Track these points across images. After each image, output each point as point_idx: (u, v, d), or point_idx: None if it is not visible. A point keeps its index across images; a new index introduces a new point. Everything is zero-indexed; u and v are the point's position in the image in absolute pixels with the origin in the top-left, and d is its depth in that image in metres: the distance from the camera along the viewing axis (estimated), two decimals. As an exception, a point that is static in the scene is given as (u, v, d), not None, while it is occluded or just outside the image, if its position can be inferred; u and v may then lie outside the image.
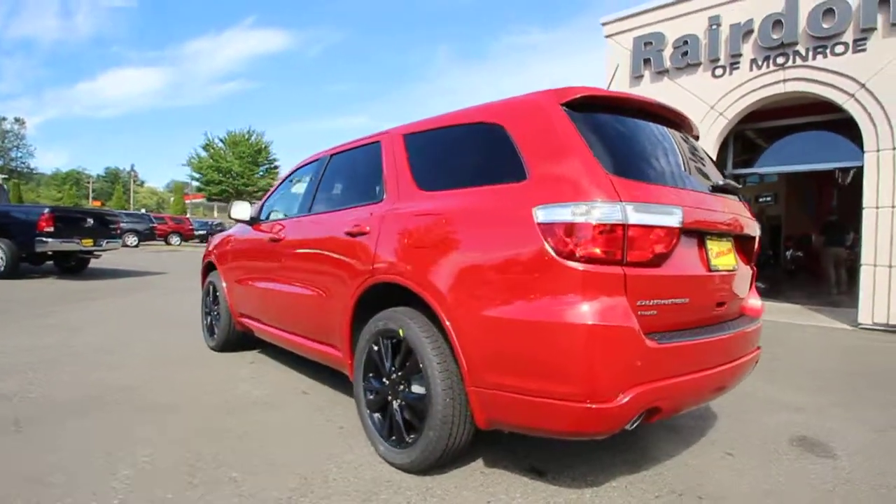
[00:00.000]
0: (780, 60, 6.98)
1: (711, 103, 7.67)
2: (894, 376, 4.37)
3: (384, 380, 2.42)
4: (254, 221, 3.95)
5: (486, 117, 2.27)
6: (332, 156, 3.34)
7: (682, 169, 2.20)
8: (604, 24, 8.89)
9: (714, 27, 7.50)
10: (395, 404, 2.34)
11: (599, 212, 1.74)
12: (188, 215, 42.99)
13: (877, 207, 6.33)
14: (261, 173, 33.00)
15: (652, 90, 8.19)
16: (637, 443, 2.67)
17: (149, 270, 12.53)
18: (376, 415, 2.49)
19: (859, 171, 7.29)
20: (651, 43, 8.18)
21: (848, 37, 6.38)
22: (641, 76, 8.41)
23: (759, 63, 7.15)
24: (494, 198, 2.03)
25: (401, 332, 2.28)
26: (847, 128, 6.83)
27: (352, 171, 3.16)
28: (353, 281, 2.59)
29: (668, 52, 8.03)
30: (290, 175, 3.93)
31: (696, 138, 2.67)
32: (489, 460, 2.43)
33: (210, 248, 4.71)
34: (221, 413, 2.98)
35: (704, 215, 2.04)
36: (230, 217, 3.96)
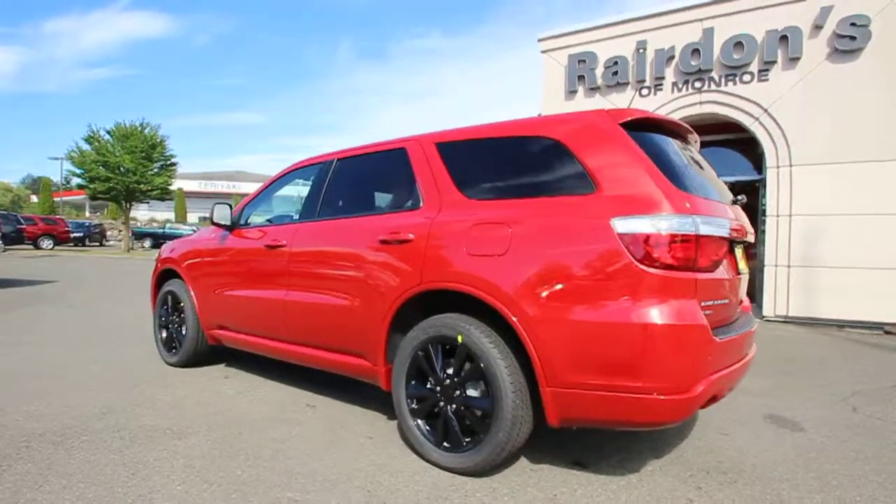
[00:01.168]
0: (698, 85, 7.91)
1: (639, 119, 8.45)
2: (816, 360, 5.16)
3: (435, 386, 2.43)
4: (234, 227, 3.70)
5: (541, 132, 2.38)
6: (338, 160, 3.24)
7: (709, 182, 2.48)
8: (540, 41, 9.42)
9: (641, 51, 8.28)
10: (449, 410, 2.36)
11: (678, 223, 1.94)
12: (60, 215, 38.00)
13: (777, 216, 7.41)
14: (156, 170, 30.15)
15: (585, 105, 8.83)
16: (645, 430, 2.92)
17: (34, 279, 10.97)
18: (420, 421, 2.49)
19: (753, 185, 8.47)
20: (584, 61, 8.82)
21: (754, 67, 7.41)
22: (575, 91, 9.03)
23: (680, 86, 8.04)
24: (564, 209, 2.14)
25: (459, 338, 2.31)
26: (753, 146, 7.90)
27: (369, 178, 3.10)
28: (394, 289, 2.56)
29: (599, 71, 8.72)
30: (276, 180, 3.72)
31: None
32: (532, 458, 2.54)
33: (168, 256, 4.31)
34: (232, 433, 2.77)
35: (736, 224, 2.32)
36: (213, 222, 3.65)
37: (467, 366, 2.31)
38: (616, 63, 8.48)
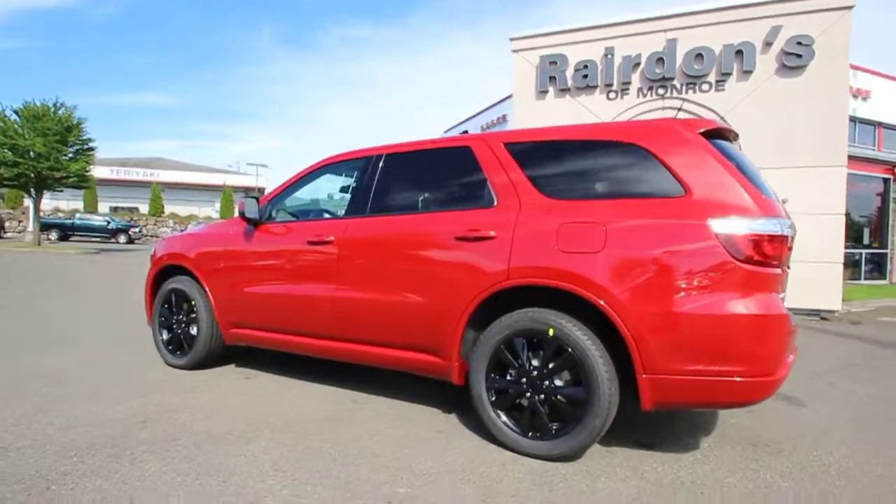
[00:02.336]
0: (661, 91, 8.49)
1: (606, 122, 8.93)
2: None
3: (519, 378, 2.52)
4: (260, 222, 3.56)
5: (622, 137, 2.53)
6: (386, 156, 3.22)
7: (766, 182, 2.73)
8: (512, 40, 9.66)
9: (609, 56, 8.74)
10: (537, 400, 2.47)
11: (767, 225, 2.16)
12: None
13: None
14: (71, 155, 27.58)
15: (555, 105, 9.20)
16: (685, 412, 3.19)
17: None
18: (502, 412, 2.57)
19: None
20: (556, 63, 9.17)
21: (712, 78, 8.08)
22: (546, 91, 9.37)
23: (645, 92, 8.59)
24: (658, 209, 2.31)
25: (551, 331, 2.42)
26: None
27: (427, 174, 3.10)
28: (474, 285, 2.61)
29: (570, 73, 9.10)
30: (304, 176, 3.60)
31: None
32: (602, 441, 2.70)
33: (174, 251, 4.04)
34: (300, 434, 2.71)
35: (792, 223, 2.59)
36: (244, 216, 3.48)
37: (559, 358, 2.42)
38: (586, 66, 8.90)
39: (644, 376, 2.24)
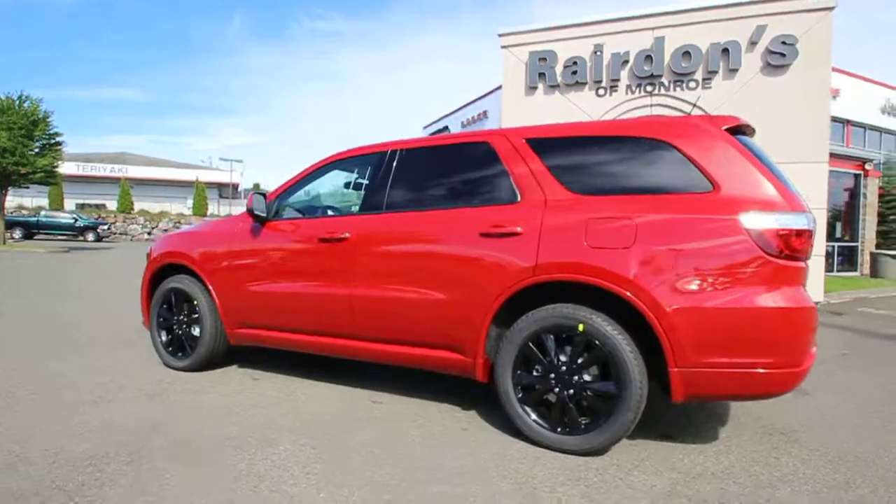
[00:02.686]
0: (649, 88, 8.61)
1: (596, 118, 9.02)
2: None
3: (547, 374, 2.52)
4: (267, 219, 3.46)
5: (647, 133, 2.54)
6: (401, 151, 3.17)
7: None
8: (500, 36, 9.65)
9: (598, 53, 8.82)
10: (566, 395, 2.47)
11: (796, 219, 2.21)
12: None
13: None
14: (37, 150, 26.66)
15: (545, 101, 9.24)
16: (703, 404, 3.25)
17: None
18: (529, 408, 2.57)
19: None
20: (545, 59, 9.20)
21: (699, 76, 8.23)
22: (536, 87, 9.40)
23: (633, 88, 8.70)
24: (688, 205, 2.33)
25: (580, 327, 2.42)
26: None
27: (444, 170, 3.06)
28: (500, 281, 2.59)
29: (559, 69, 9.15)
30: (312, 172, 3.52)
31: None
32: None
33: (174, 249, 3.91)
34: (323, 435, 2.66)
35: None
36: (252, 213, 3.39)
37: (588, 353, 2.43)
38: (575, 63, 8.96)
39: (675, 369, 2.27)
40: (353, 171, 3.60)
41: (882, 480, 2.28)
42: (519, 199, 2.69)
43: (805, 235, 2.24)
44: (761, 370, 2.19)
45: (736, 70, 7.96)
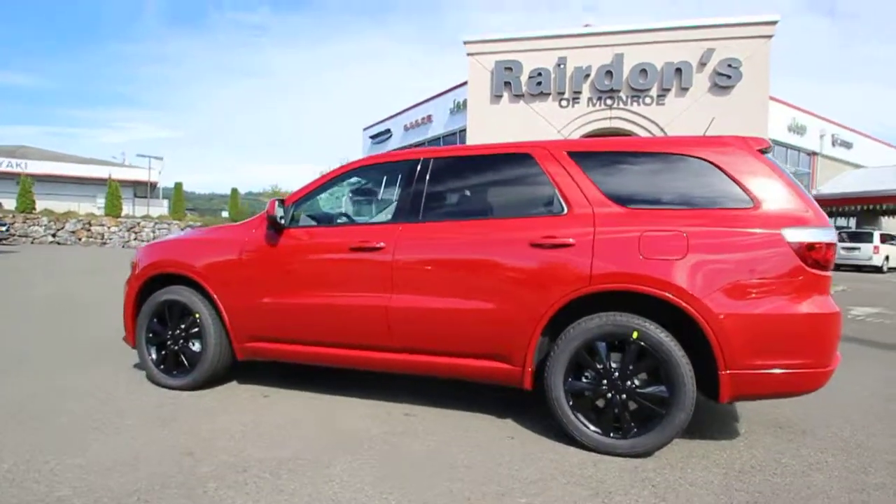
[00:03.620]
0: (609, 102, 9.11)
1: (559, 128, 9.41)
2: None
3: (599, 380, 2.62)
4: (284, 227, 3.31)
5: (689, 152, 2.70)
6: (434, 160, 3.15)
7: None
8: (466, 43, 9.77)
9: (561, 66, 9.20)
10: (619, 400, 2.58)
11: (827, 233, 2.46)
12: None
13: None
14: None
15: (511, 109, 9.49)
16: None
17: None
18: (581, 414, 2.66)
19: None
20: (511, 69, 9.46)
21: (654, 92, 8.82)
22: (501, 96, 9.63)
23: (594, 101, 9.16)
24: (731, 219, 2.51)
25: (634, 334, 2.54)
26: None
27: (483, 180, 3.08)
28: (553, 291, 2.66)
29: (524, 79, 9.44)
30: (335, 178, 3.41)
31: None
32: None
33: (170, 258, 3.62)
34: (377, 452, 2.59)
35: None
36: (273, 221, 3.20)
37: (640, 359, 2.55)
38: (540, 74, 9.28)
39: (726, 372, 2.44)
40: (377, 179, 3.52)
41: (891, 466, 2.58)
42: (565, 210, 2.77)
43: (832, 248, 2.50)
44: (799, 370, 2.42)
45: (687, 88, 8.62)
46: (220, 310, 3.40)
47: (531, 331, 2.71)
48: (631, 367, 2.57)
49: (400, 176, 3.22)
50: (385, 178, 3.40)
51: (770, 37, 8.19)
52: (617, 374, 2.59)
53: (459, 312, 2.84)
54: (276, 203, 3.22)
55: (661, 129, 8.94)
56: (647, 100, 8.97)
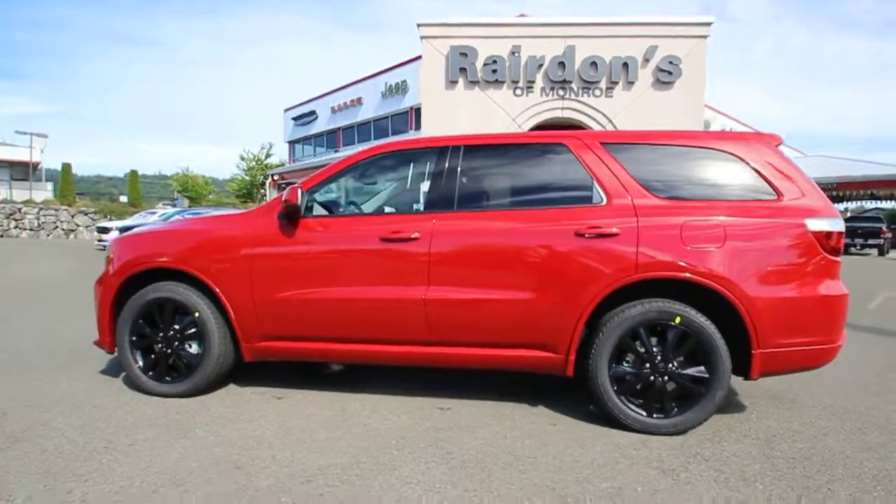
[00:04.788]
0: (561, 92, 9.38)
1: (513, 116, 9.55)
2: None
3: (642, 364, 2.74)
4: (299, 216, 3.08)
5: (717, 146, 2.86)
6: (465, 146, 3.08)
7: None
8: (419, 26, 9.57)
9: (516, 55, 9.31)
10: (662, 382, 2.72)
11: (841, 223, 2.73)
12: None
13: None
14: None
15: (466, 96, 9.47)
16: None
17: None
18: (625, 398, 2.77)
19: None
20: (466, 55, 9.41)
21: (603, 84, 9.22)
22: (456, 82, 9.56)
23: (547, 91, 9.39)
24: (760, 210, 2.71)
25: (677, 319, 2.68)
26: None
27: (520, 170, 3.05)
28: (599, 280, 2.72)
29: (479, 66, 9.44)
30: (356, 164, 3.21)
31: None
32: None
33: (162, 252, 3.24)
34: (438, 449, 2.53)
35: None
36: (290, 209, 2.95)
37: (682, 342, 2.70)
38: (495, 62, 9.33)
39: (758, 351, 2.66)
40: (400, 166, 3.37)
41: (884, 429, 2.96)
42: (605, 201, 2.84)
43: (843, 236, 2.79)
44: (816, 346, 2.69)
45: (633, 83, 9.12)
46: (227, 307, 3.11)
47: (576, 319, 2.76)
48: (673, 350, 2.71)
49: (429, 163, 3.11)
50: (410, 165, 3.27)
51: (706, 37, 8.88)
52: (660, 357, 2.72)
53: (502, 303, 2.83)
54: (297, 191, 2.98)
55: (610, 121, 9.40)
56: (597, 92, 9.36)
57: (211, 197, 39.41)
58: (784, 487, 2.21)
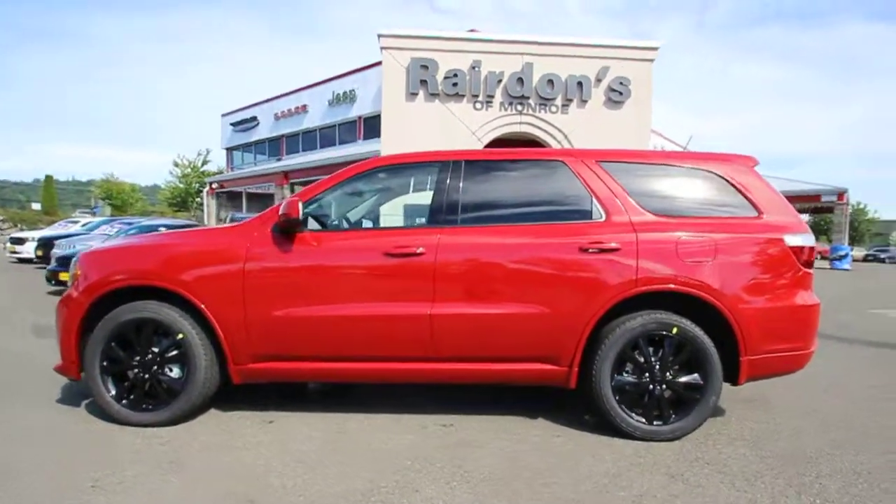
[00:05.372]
0: (519, 108, 9.65)
1: (473, 129, 9.70)
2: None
3: (643, 373, 2.86)
4: (296, 230, 2.97)
5: (703, 166, 3.06)
6: (466, 162, 3.09)
7: None
8: (380, 37, 9.54)
9: (476, 69, 9.49)
10: (659, 390, 2.85)
11: (811, 238, 2.99)
12: None
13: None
14: None
15: (426, 108, 9.52)
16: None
17: None
18: (625, 407, 2.87)
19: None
20: (427, 67, 9.47)
21: (559, 102, 9.58)
22: (417, 94, 9.59)
23: (506, 106, 9.63)
24: (743, 226, 2.92)
25: (674, 330, 2.82)
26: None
27: (520, 185, 3.10)
28: (602, 293, 2.81)
29: (440, 79, 9.52)
30: (352, 177, 3.14)
31: None
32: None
33: (141, 268, 3.01)
34: (459, 467, 2.50)
35: None
36: (287, 222, 2.83)
37: (678, 352, 2.84)
38: (456, 75, 9.46)
39: (746, 358, 2.85)
40: (398, 180, 3.33)
41: (842, 425, 3.25)
42: (604, 217, 2.95)
43: (814, 251, 3.05)
44: (794, 353, 2.93)
45: (587, 101, 9.55)
46: (215, 328, 2.93)
47: (581, 332, 2.83)
48: (670, 360, 2.85)
49: (430, 177, 3.10)
50: (410, 178, 3.23)
51: (652, 60, 9.49)
52: (658, 366, 2.84)
53: (510, 318, 2.85)
54: (297, 204, 2.86)
55: (566, 137, 9.78)
56: (553, 108, 9.71)
57: (139, 205, 36.89)
58: (783, 485, 2.37)
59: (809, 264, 2.99)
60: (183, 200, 34.52)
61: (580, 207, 3.01)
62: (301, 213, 2.85)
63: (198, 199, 33.81)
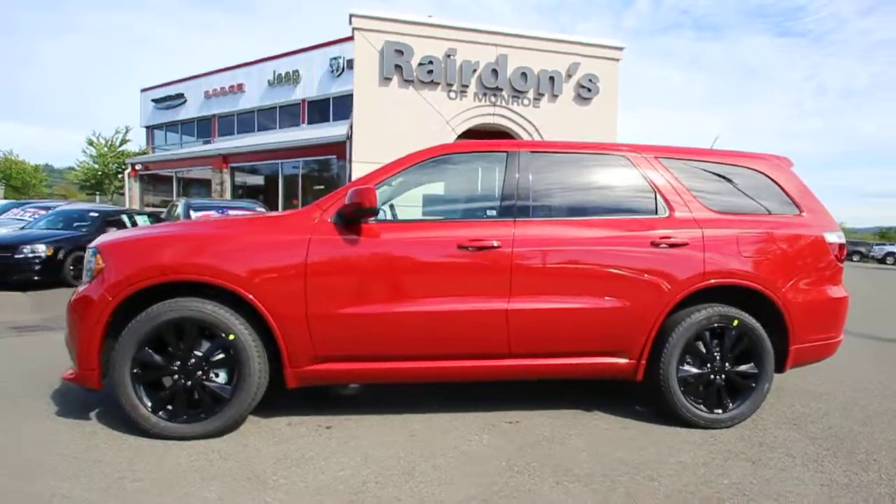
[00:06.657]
0: (493, 99, 9.64)
1: (447, 119, 9.56)
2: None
3: (703, 365, 2.97)
4: (360, 220, 2.77)
5: (750, 165, 3.21)
6: (532, 152, 3.04)
7: None
8: (353, 17, 9.09)
9: (451, 58, 9.33)
10: (718, 380, 2.98)
11: (842, 236, 3.25)
12: None
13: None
14: None
15: (400, 94, 9.25)
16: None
17: None
18: (690, 397, 2.97)
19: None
20: (402, 52, 9.17)
21: (531, 95, 9.68)
22: (391, 79, 9.28)
23: (480, 97, 9.58)
24: (791, 224, 3.11)
25: (735, 322, 2.96)
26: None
27: (586, 179, 3.09)
28: (673, 287, 2.88)
29: (415, 65, 9.27)
30: (415, 165, 2.97)
31: None
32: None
33: (188, 262, 2.65)
34: (555, 465, 2.46)
35: None
36: (360, 211, 2.61)
37: (738, 343, 2.98)
38: (431, 62, 9.25)
39: (793, 347, 3.05)
40: (469, 168, 3.18)
41: (851, 404, 3.58)
42: (668, 213, 3.02)
43: (845, 248, 3.32)
44: (829, 341, 3.18)
45: (558, 96, 9.74)
46: (273, 327, 2.67)
47: (651, 325, 2.89)
48: (730, 350, 2.98)
49: (499, 168, 3.00)
50: (478, 168, 3.10)
51: (618, 60, 9.85)
52: (718, 357, 2.97)
53: (586, 312, 2.85)
54: (370, 192, 2.66)
55: (537, 130, 9.92)
56: (526, 101, 9.80)
57: (45, 186, 32.85)
58: (844, 463, 2.57)
59: (841, 260, 3.25)
60: (98, 182, 31.18)
61: (644, 202, 3.05)
62: (375, 201, 2.65)
63: (116, 182, 30.71)
